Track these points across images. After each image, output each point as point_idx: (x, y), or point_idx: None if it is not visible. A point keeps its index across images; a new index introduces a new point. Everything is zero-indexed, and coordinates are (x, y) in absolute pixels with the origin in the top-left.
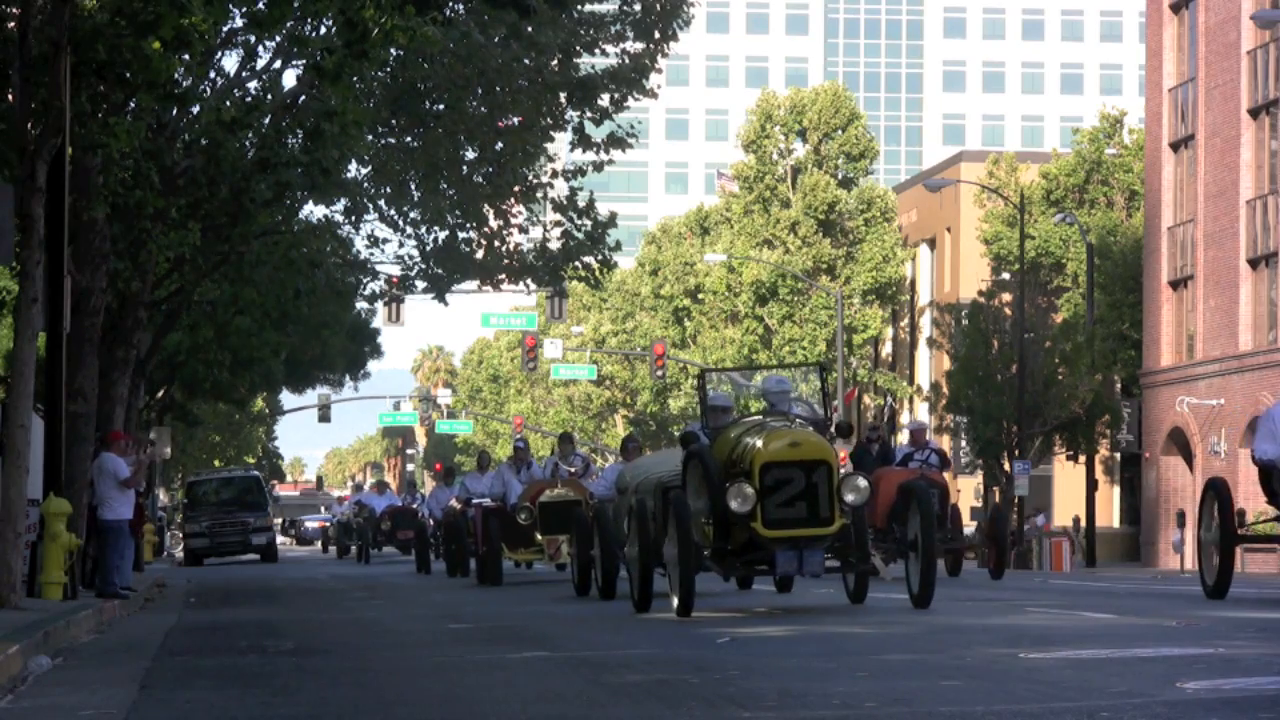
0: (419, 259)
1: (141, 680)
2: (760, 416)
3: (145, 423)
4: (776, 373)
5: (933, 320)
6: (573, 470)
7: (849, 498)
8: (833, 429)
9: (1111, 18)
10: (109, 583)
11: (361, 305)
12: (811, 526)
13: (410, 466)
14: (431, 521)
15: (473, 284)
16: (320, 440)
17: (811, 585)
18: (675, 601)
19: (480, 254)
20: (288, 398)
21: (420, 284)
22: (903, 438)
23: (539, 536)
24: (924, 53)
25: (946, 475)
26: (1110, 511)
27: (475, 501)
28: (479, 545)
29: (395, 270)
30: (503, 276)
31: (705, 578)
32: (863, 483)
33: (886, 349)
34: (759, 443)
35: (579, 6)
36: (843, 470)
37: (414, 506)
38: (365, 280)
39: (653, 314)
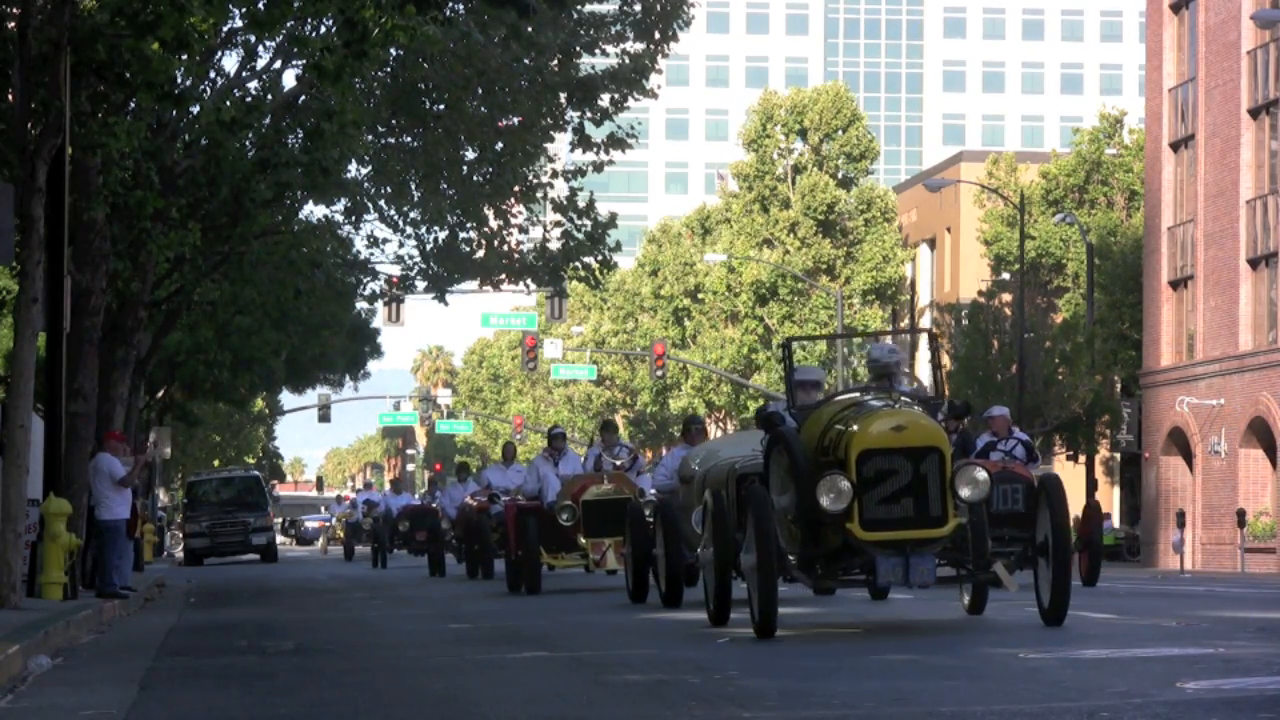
0: (419, 259)
1: (141, 680)
2: (858, 394)
3: (145, 423)
4: (885, 339)
5: (933, 320)
6: (618, 463)
7: (965, 492)
8: (944, 409)
9: (1111, 18)
10: (109, 583)
11: (361, 305)
12: (920, 527)
13: (410, 466)
14: (445, 522)
15: (473, 284)
16: (320, 440)
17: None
18: (754, 614)
19: (480, 254)
20: (288, 398)
21: (420, 284)
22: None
23: (582, 539)
24: (924, 53)
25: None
26: (1110, 511)
27: (506, 499)
28: (512, 549)
29: (395, 270)
30: (503, 276)
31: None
32: (982, 474)
33: None
34: (856, 426)
35: (579, 6)
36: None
37: (434, 506)
38: (365, 280)
39: (653, 314)
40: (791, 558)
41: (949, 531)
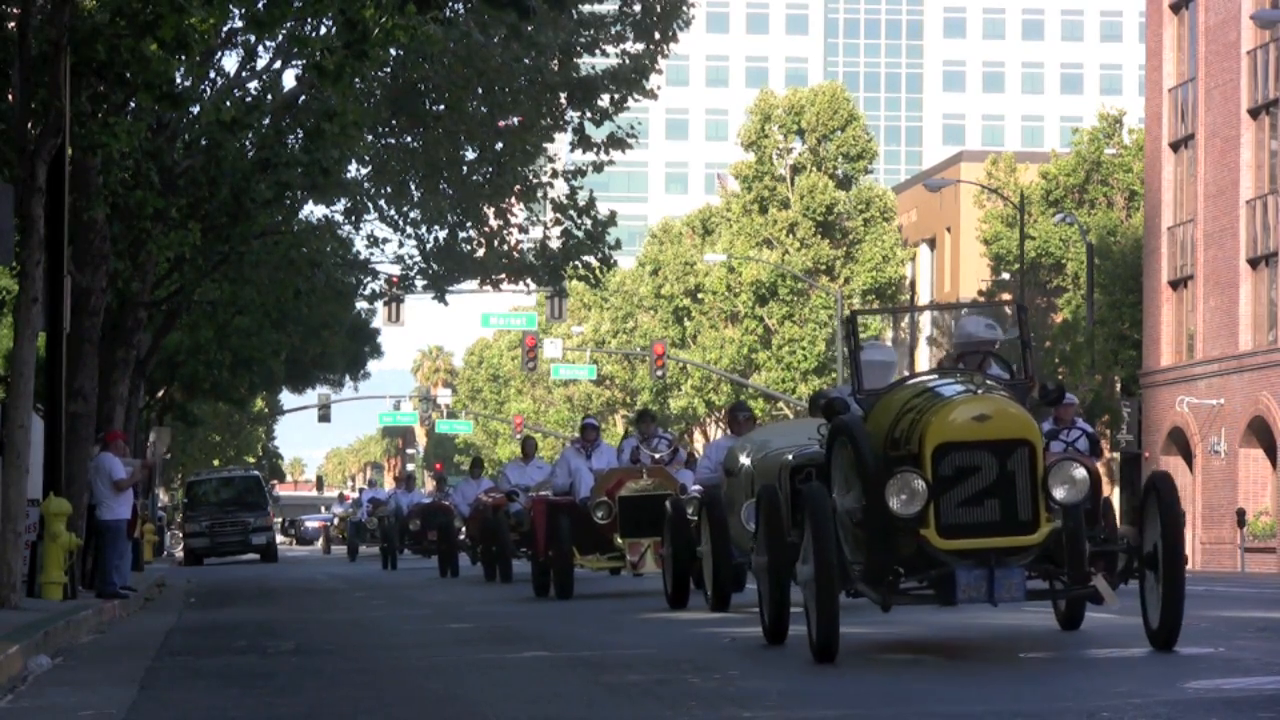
0: (419, 259)
1: (141, 680)
2: (935, 375)
3: (145, 423)
4: (973, 313)
5: (933, 320)
6: (657, 455)
7: (1061, 493)
8: (1035, 394)
9: (1111, 18)
10: (109, 583)
11: (361, 305)
12: (1007, 534)
13: (410, 466)
14: (459, 520)
15: (473, 284)
16: (320, 440)
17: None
18: (812, 635)
19: (480, 254)
20: (288, 398)
21: (420, 284)
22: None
23: (619, 539)
24: (924, 53)
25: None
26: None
27: (533, 495)
28: (540, 549)
29: (395, 270)
30: (502, 276)
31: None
32: (1080, 472)
33: None
34: (932, 414)
35: (578, 6)
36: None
37: (446, 504)
38: (365, 280)
39: (653, 314)
40: (856, 567)
41: (1041, 539)
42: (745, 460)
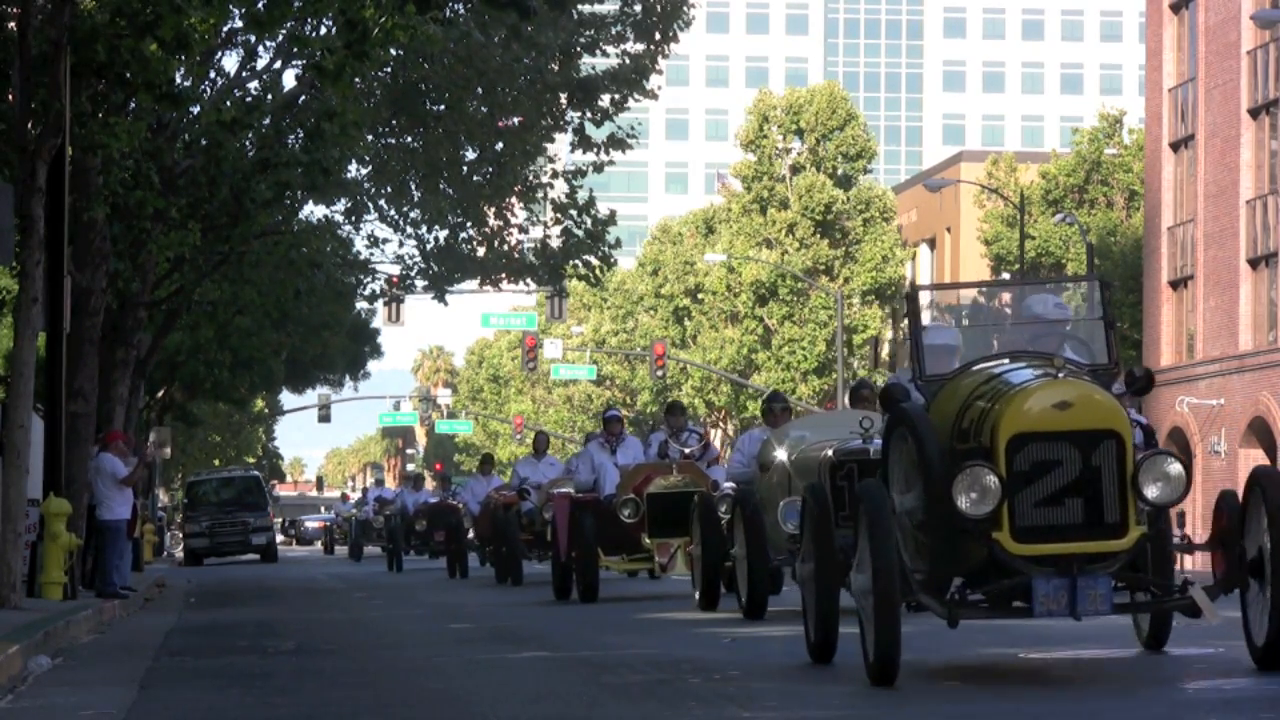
0: (419, 259)
1: (141, 680)
2: (1007, 360)
3: (145, 423)
4: (1037, 291)
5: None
6: (687, 450)
7: (1153, 491)
8: (1122, 380)
9: (1111, 18)
10: (108, 583)
11: (361, 305)
12: (1091, 538)
13: (410, 466)
14: (468, 519)
15: (473, 284)
16: (320, 440)
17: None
18: (868, 654)
19: (480, 254)
20: (288, 398)
21: (420, 284)
22: None
23: (646, 539)
24: (924, 53)
25: None
26: None
27: (559, 492)
28: (563, 549)
29: (395, 270)
30: (503, 276)
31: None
32: (1176, 467)
33: (886, 349)
34: (1006, 401)
35: (579, 6)
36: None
37: (453, 503)
38: (365, 280)
39: (653, 314)
40: (917, 576)
41: (1130, 544)
42: (781, 455)
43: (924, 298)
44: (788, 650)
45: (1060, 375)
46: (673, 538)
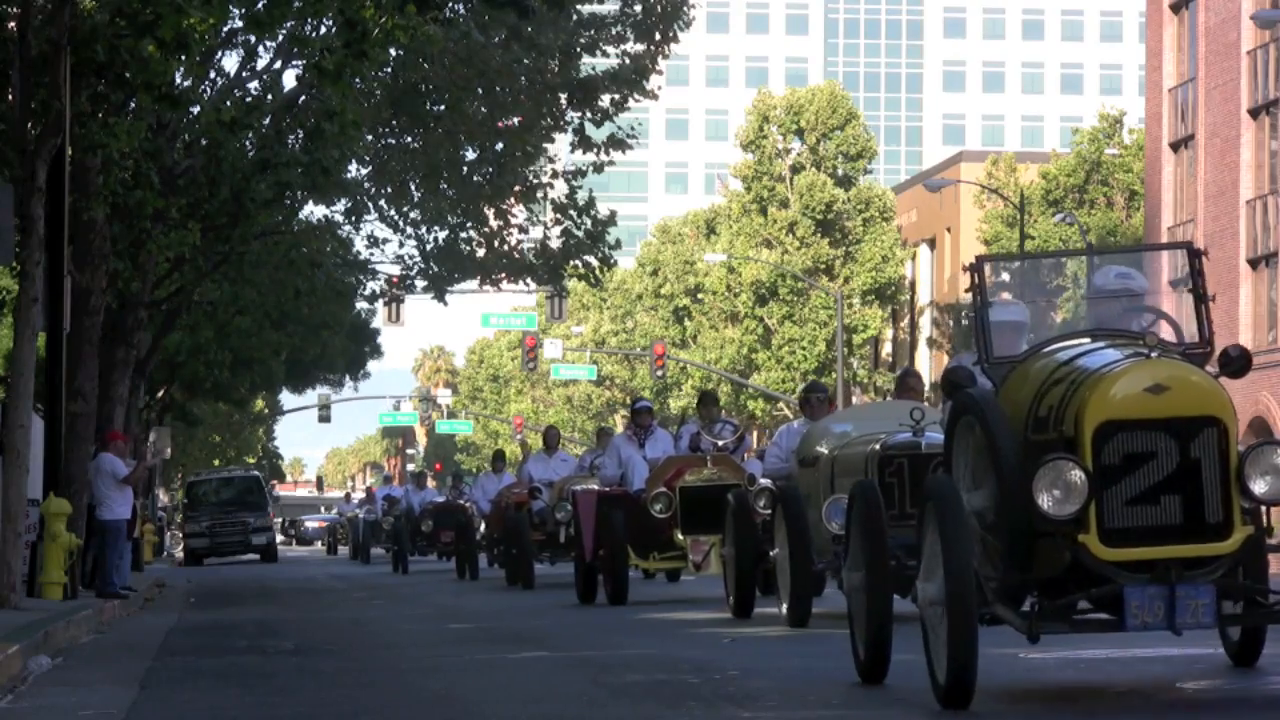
0: (419, 259)
1: (141, 680)
2: (1086, 339)
3: (145, 423)
4: (1106, 262)
5: (933, 320)
6: (720, 443)
7: (1262, 486)
8: (1216, 359)
9: (1111, 18)
10: (109, 583)
11: (361, 305)
12: (1191, 540)
13: (410, 466)
14: (479, 519)
15: (473, 284)
16: (320, 440)
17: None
18: (937, 673)
19: (480, 254)
20: (288, 398)
21: (420, 284)
22: None
23: (679, 536)
24: (924, 53)
25: None
26: None
27: (582, 488)
28: (587, 549)
29: (395, 270)
30: (503, 276)
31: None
32: None
33: (886, 349)
34: (1093, 385)
35: (578, 6)
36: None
37: (461, 502)
38: (365, 280)
39: (653, 313)
40: (991, 584)
41: (1234, 547)
42: (823, 449)
43: (989, 270)
44: (787, 650)
45: (1153, 355)
46: (707, 534)
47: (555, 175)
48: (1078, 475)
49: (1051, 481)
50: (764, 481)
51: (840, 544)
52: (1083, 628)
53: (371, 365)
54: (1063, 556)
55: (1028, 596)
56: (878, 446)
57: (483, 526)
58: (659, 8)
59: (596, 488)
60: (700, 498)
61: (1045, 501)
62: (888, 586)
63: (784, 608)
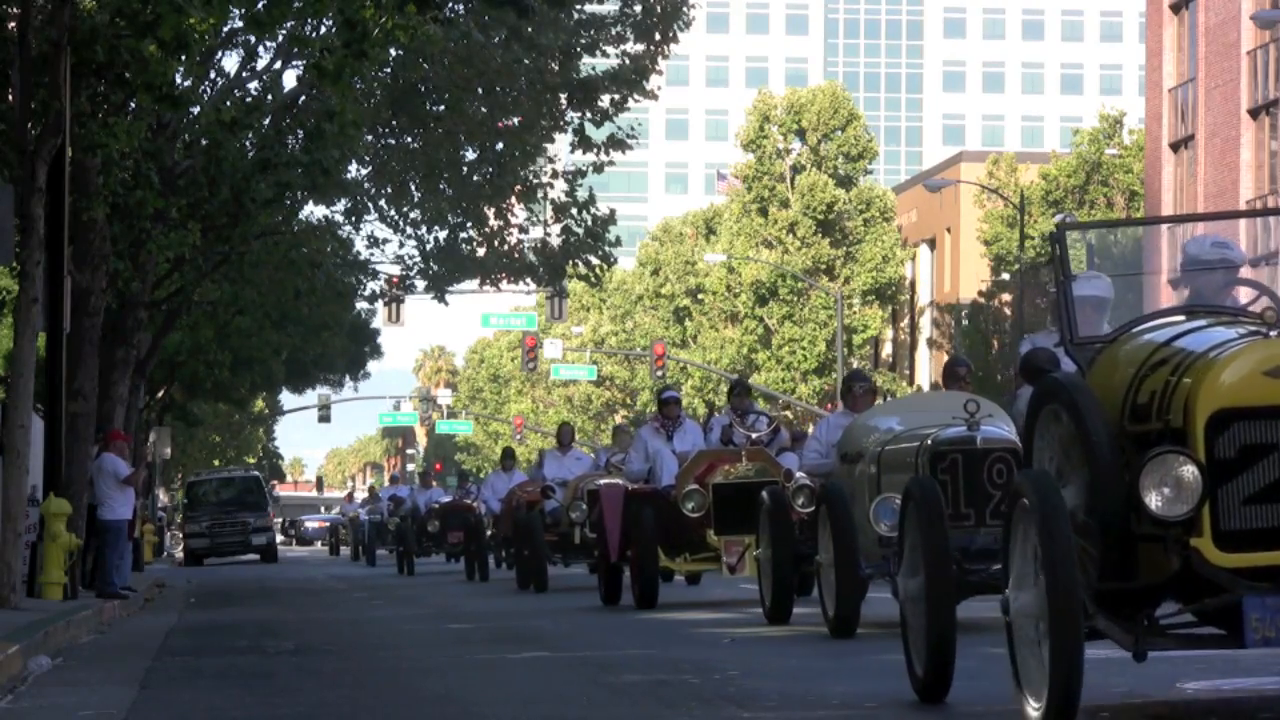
0: (419, 259)
1: (141, 680)
2: (1183, 316)
3: (145, 423)
4: (1208, 231)
5: (933, 320)
6: (754, 436)
7: None
8: None
9: (1111, 18)
10: (109, 583)
11: (361, 305)
12: None
13: (410, 466)
14: (488, 519)
15: (473, 284)
16: (320, 440)
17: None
18: (1037, 700)
19: (481, 254)
20: (288, 398)
21: (420, 284)
22: None
23: (712, 536)
24: (924, 53)
25: None
26: None
27: (606, 483)
28: (612, 549)
29: (395, 270)
30: (503, 276)
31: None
32: None
33: (886, 349)
34: (1203, 368)
35: (579, 7)
36: None
37: (469, 502)
38: (365, 280)
39: (653, 313)
40: (1087, 592)
41: None
42: (868, 444)
43: (1071, 238)
44: (787, 650)
45: (1272, 334)
46: (742, 534)
47: (555, 175)
48: (1190, 471)
49: (1160, 478)
50: (802, 478)
51: (891, 547)
52: (1193, 644)
53: (371, 365)
54: (1169, 563)
55: (1125, 607)
56: (929, 441)
57: (492, 526)
58: (659, 8)
59: (621, 483)
60: (736, 495)
61: (1154, 500)
62: (951, 595)
63: (828, 613)
